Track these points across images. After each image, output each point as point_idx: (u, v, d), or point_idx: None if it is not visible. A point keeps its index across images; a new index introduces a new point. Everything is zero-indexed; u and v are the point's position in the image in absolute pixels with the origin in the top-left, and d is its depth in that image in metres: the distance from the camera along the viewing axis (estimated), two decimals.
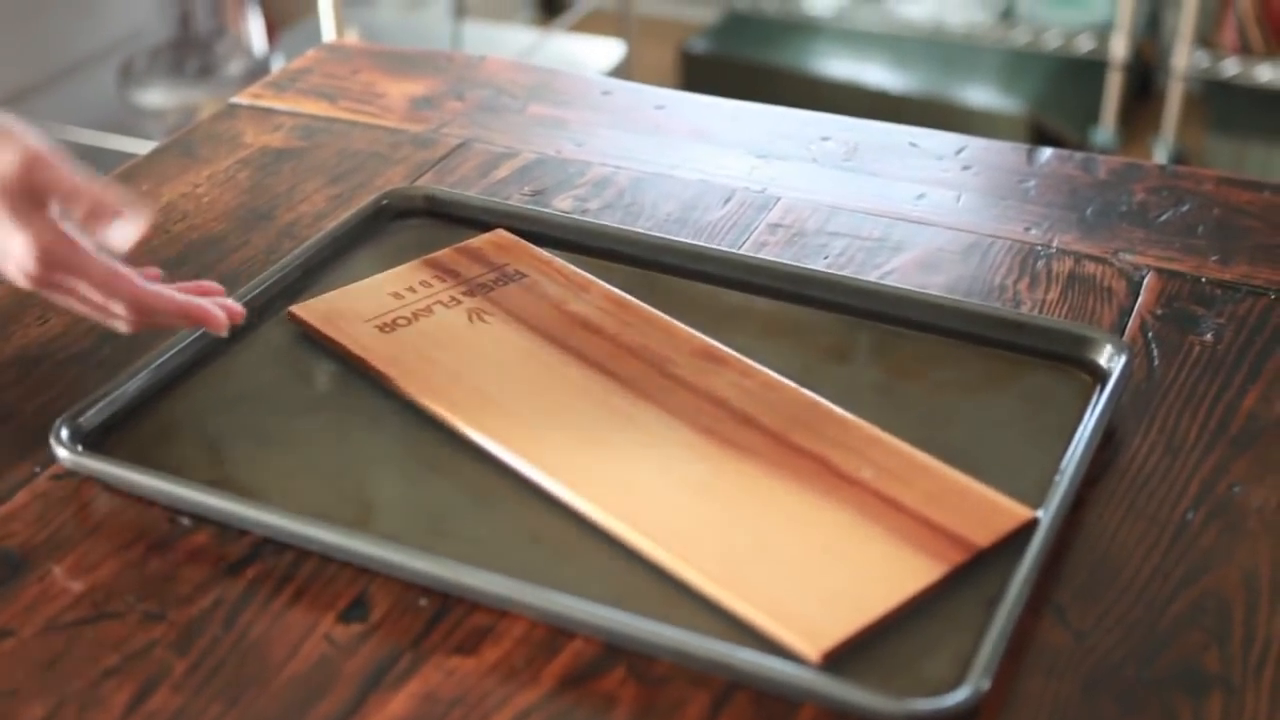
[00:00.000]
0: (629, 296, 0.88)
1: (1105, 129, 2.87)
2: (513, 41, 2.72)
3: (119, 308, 0.77)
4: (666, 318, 0.86)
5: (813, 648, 0.64)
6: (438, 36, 2.61)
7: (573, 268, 0.91)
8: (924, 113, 2.86)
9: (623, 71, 2.65)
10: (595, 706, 0.63)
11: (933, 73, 3.03)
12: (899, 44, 3.11)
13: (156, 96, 2.22)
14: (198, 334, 0.84)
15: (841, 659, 0.65)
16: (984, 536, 0.70)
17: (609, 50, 2.71)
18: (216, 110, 1.17)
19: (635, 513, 0.72)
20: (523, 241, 0.94)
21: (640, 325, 0.86)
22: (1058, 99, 2.95)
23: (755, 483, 0.74)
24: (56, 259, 0.75)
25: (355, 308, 0.86)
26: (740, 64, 3.10)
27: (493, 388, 0.80)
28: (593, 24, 3.00)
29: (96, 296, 0.77)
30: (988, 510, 0.72)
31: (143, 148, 1.15)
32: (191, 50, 2.16)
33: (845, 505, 0.72)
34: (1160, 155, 2.72)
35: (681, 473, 0.75)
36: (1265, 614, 0.68)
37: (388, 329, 0.84)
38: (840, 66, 3.08)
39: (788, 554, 0.70)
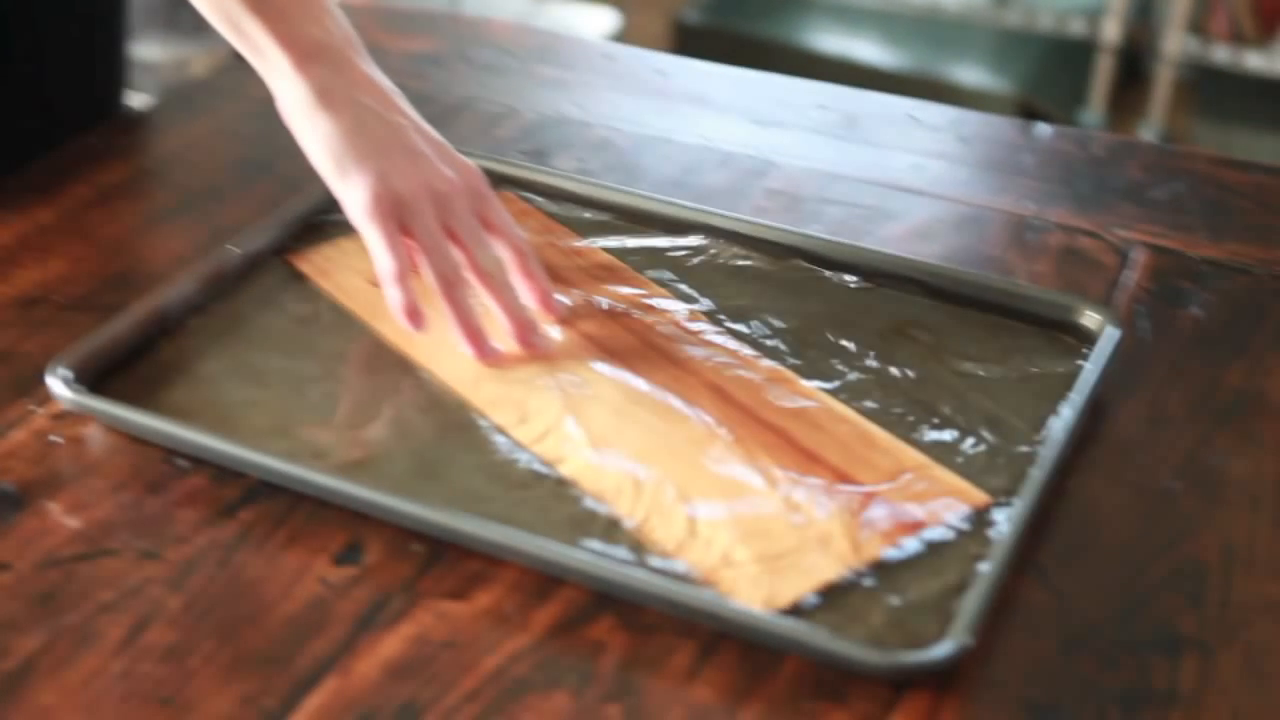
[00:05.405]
0: (620, 262, 0.89)
1: (1094, 111, 2.88)
2: (508, 7, 2.72)
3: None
4: (652, 284, 0.87)
5: None
6: (433, 0, 2.61)
7: (571, 235, 0.92)
8: (915, 90, 2.85)
9: (616, 40, 2.65)
10: (584, 653, 0.64)
11: (925, 51, 3.03)
12: (892, 21, 3.12)
13: (151, 50, 2.22)
14: (195, 278, 0.84)
15: (827, 611, 0.66)
16: (934, 518, 0.71)
17: (603, 19, 2.71)
18: (220, 64, 1.17)
19: (599, 474, 0.73)
20: (527, 206, 0.95)
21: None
22: (1048, 80, 2.96)
23: (718, 453, 0.75)
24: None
25: (350, 261, 0.87)
26: (733, 36, 3.09)
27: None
28: None
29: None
30: (945, 492, 0.73)
31: (135, 101, 1.15)
32: (186, 3, 2.15)
33: (803, 480, 0.73)
34: (1147, 139, 2.73)
35: (647, 438, 0.75)
36: (1241, 580, 0.70)
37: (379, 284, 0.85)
38: (833, 41, 3.08)
39: (741, 523, 0.70)
